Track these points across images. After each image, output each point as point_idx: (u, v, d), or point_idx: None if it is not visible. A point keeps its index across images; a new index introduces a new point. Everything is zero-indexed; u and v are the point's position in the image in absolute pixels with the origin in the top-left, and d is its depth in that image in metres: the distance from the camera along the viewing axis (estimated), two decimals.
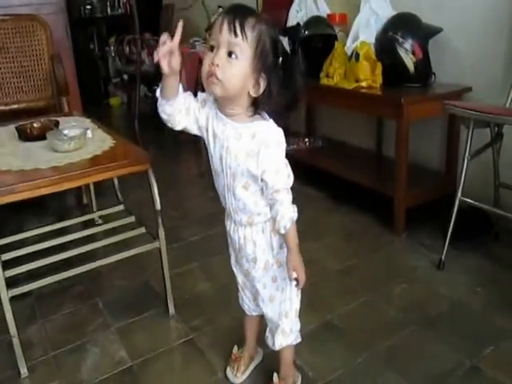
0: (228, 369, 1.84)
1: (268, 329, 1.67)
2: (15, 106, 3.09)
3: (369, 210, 3.06)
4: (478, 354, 1.88)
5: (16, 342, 1.86)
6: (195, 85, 4.49)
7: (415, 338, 1.99)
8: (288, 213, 1.37)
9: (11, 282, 1.82)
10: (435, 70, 2.78)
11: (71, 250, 2.09)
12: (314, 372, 1.83)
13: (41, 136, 2.13)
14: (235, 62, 1.24)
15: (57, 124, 2.20)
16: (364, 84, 2.75)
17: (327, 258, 2.59)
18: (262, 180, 1.36)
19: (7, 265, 1.85)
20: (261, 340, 1.79)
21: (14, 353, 1.88)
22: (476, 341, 1.95)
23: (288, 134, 3.83)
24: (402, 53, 2.67)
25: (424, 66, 2.72)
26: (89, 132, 2.12)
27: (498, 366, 1.83)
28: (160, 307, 2.23)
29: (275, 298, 1.56)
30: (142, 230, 2.18)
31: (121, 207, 2.48)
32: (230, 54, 1.23)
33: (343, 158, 3.37)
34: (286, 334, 1.61)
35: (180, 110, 1.40)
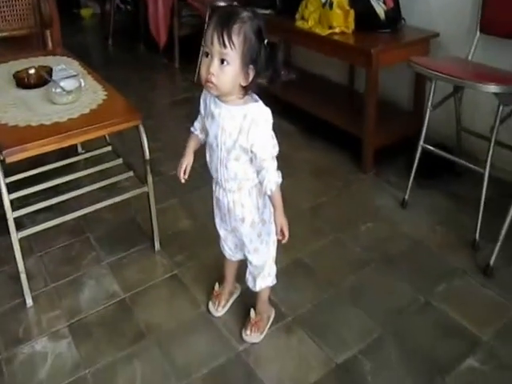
0: (210, 303, 2.08)
1: (248, 272, 1.91)
2: None
3: (340, 145, 3.24)
4: (431, 291, 2.15)
5: (23, 276, 2.08)
6: (171, 11, 4.51)
7: (377, 275, 2.25)
8: (273, 178, 1.60)
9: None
10: (406, 14, 2.95)
11: (64, 193, 2.29)
12: (286, 307, 2.09)
13: (37, 84, 2.31)
14: (227, 67, 1.44)
15: (50, 72, 2.31)
16: (337, 30, 2.89)
17: (298, 196, 2.79)
18: (251, 151, 1.57)
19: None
20: (238, 276, 2.06)
21: (18, 283, 2.11)
22: (430, 278, 2.21)
23: None
24: (373, 2, 2.85)
25: (394, 13, 2.89)
26: (82, 81, 2.25)
27: (447, 301, 2.09)
28: (146, 243, 2.44)
29: (259, 250, 1.82)
30: (131, 173, 2.35)
31: (109, 148, 2.63)
32: (222, 61, 1.44)
33: (316, 95, 3.48)
34: (265, 277, 1.89)
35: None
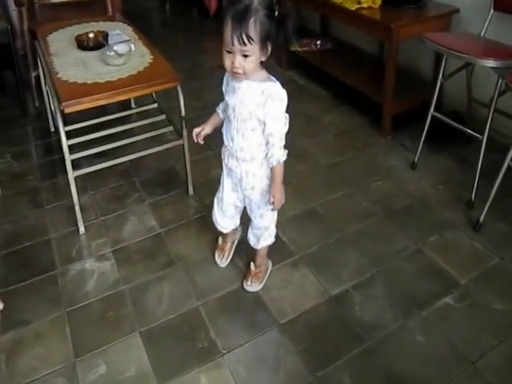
0: (216, 255, 2.37)
1: (252, 233, 2.18)
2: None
3: (364, 110, 3.53)
4: (424, 240, 2.45)
5: (77, 208, 2.52)
6: None
7: (378, 225, 2.57)
8: (277, 154, 1.79)
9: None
10: None
11: (117, 140, 2.70)
12: (295, 247, 2.44)
13: (94, 47, 2.71)
14: (249, 58, 1.63)
15: (106, 36, 2.69)
16: (365, 5, 3.13)
17: (319, 154, 3.13)
18: (264, 124, 1.75)
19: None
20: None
21: (73, 215, 2.55)
22: (425, 230, 2.51)
23: (303, 35, 4.18)
24: None
25: None
26: (132, 46, 2.62)
27: (437, 250, 2.39)
28: (182, 188, 2.83)
29: (264, 215, 2.06)
30: (171, 128, 2.73)
31: (155, 105, 3.03)
32: (244, 55, 1.62)
33: (347, 63, 3.75)
34: (267, 238, 2.16)
35: None
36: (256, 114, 1.74)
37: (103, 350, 1.98)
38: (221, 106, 1.99)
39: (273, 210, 1.96)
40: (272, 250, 2.33)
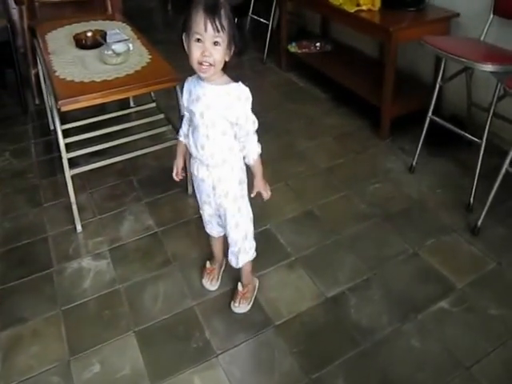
0: (204, 280, 2.27)
1: (230, 252, 2.09)
2: None
3: (363, 113, 3.52)
4: (421, 244, 2.44)
5: (75, 207, 2.53)
6: None
7: (375, 228, 2.56)
8: (255, 148, 1.84)
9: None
10: None
11: (115, 139, 2.72)
12: (292, 248, 2.44)
13: (93, 46, 2.70)
14: (218, 47, 1.62)
15: (104, 35, 2.69)
16: (364, 8, 3.14)
17: (318, 156, 3.12)
18: (236, 125, 1.76)
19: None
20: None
21: (71, 213, 2.55)
22: (422, 233, 2.50)
23: (302, 37, 4.18)
24: None
25: None
26: (130, 46, 2.63)
27: (433, 254, 2.38)
28: (181, 187, 2.82)
29: (239, 224, 1.99)
30: (169, 127, 2.74)
31: (153, 105, 3.02)
32: (214, 43, 1.61)
33: (346, 66, 3.75)
34: (247, 252, 2.07)
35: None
36: (225, 116, 1.74)
37: (98, 349, 1.98)
38: (181, 132, 1.98)
39: (264, 199, 1.97)
40: (268, 251, 2.35)
